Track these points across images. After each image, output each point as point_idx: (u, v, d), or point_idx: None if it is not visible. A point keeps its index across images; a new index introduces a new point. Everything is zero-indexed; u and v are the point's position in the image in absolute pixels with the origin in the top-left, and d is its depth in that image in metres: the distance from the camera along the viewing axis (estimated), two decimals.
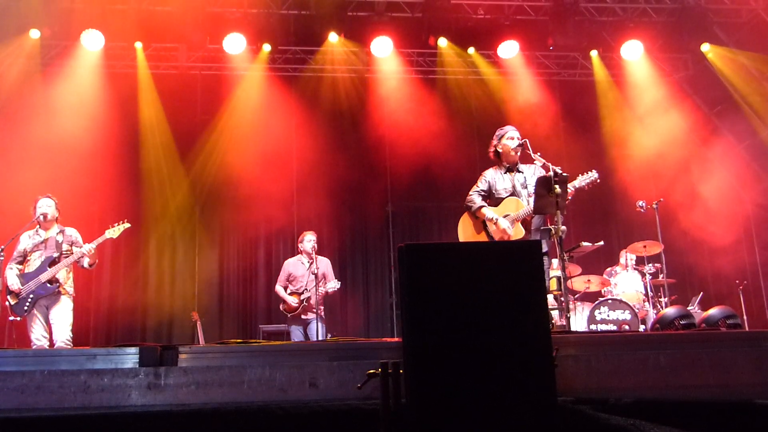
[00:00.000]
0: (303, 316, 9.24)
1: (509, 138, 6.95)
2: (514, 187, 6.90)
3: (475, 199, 6.96)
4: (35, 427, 3.70)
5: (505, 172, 7.00)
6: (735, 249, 12.16)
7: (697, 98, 12.27)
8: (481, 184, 7.02)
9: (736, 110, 11.80)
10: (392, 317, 12.10)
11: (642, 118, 12.03)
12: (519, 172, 6.99)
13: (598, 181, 6.76)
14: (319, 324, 9.04)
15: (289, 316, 9.31)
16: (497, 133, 7.09)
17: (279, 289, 9.46)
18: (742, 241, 12.39)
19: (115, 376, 4.24)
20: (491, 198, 6.97)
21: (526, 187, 6.87)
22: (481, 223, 6.94)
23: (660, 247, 9.96)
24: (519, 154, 6.89)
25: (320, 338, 8.85)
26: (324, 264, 9.40)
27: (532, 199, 6.63)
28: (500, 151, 7.01)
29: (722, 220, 11.67)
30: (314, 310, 9.08)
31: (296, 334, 9.29)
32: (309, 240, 9.38)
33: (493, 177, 7.01)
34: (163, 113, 11.61)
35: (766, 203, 12.32)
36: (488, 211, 6.84)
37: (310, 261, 9.27)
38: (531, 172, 6.92)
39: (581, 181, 6.73)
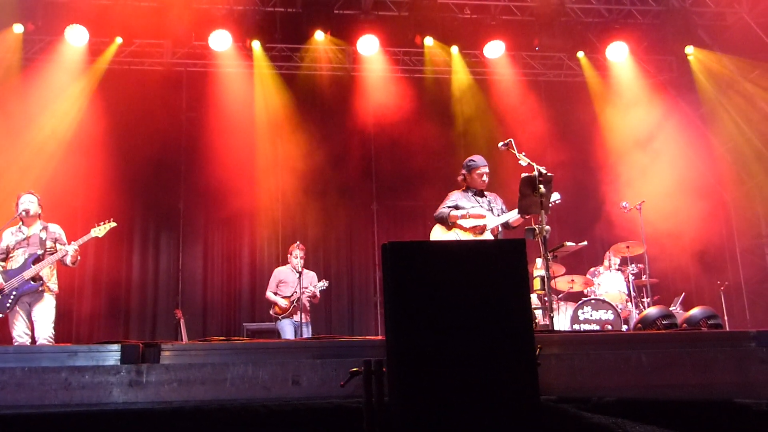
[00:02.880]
0: (295, 319, 9.30)
1: (476, 169, 7.22)
2: (481, 208, 7.14)
3: (445, 210, 7.16)
4: (15, 424, 3.68)
5: (473, 195, 7.26)
6: (717, 250, 12.25)
7: (680, 100, 12.34)
8: (448, 203, 7.25)
9: (719, 113, 11.89)
10: (377, 315, 12.10)
11: (626, 119, 12.07)
12: (483, 196, 7.28)
13: (559, 201, 6.90)
14: (307, 329, 9.18)
15: (280, 318, 9.38)
16: (467, 164, 7.34)
17: (269, 294, 9.60)
18: (723, 242, 12.49)
19: (96, 374, 4.21)
20: None
21: (491, 210, 7.15)
22: (451, 232, 7.12)
23: (643, 247, 10.03)
24: (485, 180, 7.21)
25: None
26: (311, 278, 9.61)
27: (496, 218, 7.02)
28: (467, 180, 7.31)
29: (704, 221, 11.74)
30: (305, 314, 9.21)
31: (288, 330, 9.32)
32: (296, 255, 9.54)
33: (460, 198, 7.24)
34: (147, 109, 11.52)
35: (748, 205, 12.42)
36: (459, 210, 7.08)
37: (299, 273, 9.39)
38: (493, 197, 7.31)
39: None
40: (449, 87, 12.63)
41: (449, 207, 7.16)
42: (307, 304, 9.46)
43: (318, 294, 9.52)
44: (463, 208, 7.10)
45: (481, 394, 3.11)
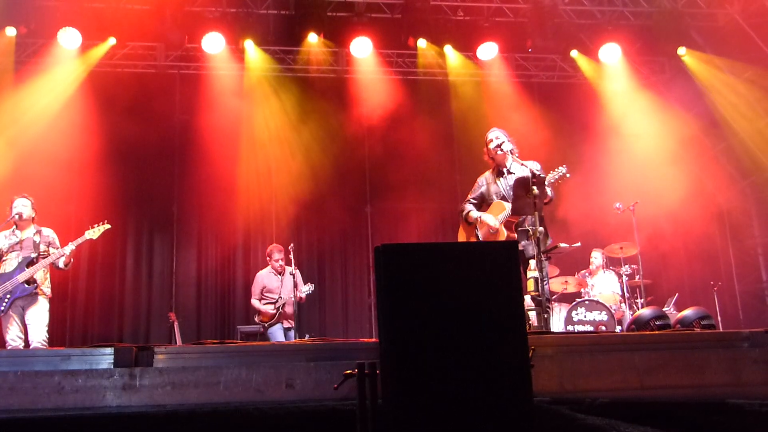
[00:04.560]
0: (284, 325, 9.27)
1: (489, 141, 7.03)
2: (504, 191, 6.92)
3: (466, 206, 7.06)
4: (8, 428, 3.67)
5: (497, 176, 7.05)
6: (710, 251, 12.28)
7: (673, 101, 12.36)
8: (474, 191, 7.12)
9: (712, 113, 11.92)
10: (371, 318, 12.10)
11: (619, 121, 12.09)
12: (511, 173, 6.99)
13: (568, 175, 6.76)
14: (294, 335, 9.16)
15: (266, 325, 9.33)
16: (484, 139, 7.12)
17: (254, 302, 9.53)
18: (716, 243, 12.52)
19: (89, 377, 4.20)
20: (486, 203, 7.03)
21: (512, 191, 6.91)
22: (473, 229, 7.00)
23: (636, 248, 10.06)
24: (503, 153, 6.86)
25: None
26: (295, 276, 9.48)
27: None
28: (490, 156, 7.08)
29: (697, 222, 11.78)
30: (290, 320, 9.16)
31: (278, 335, 9.26)
32: (276, 259, 9.46)
33: (486, 182, 7.07)
34: (141, 112, 11.48)
35: (741, 206, 12.46)
36: (474, 212, 6.94)
37: (281, 275, 9.33)
38: (522, 173, 6.92)
39: (551, 176, 6.76)
40: (442, 89, 12.64)
41: (471, 202, 7.03)
42: (293, 308, 9.35)
43: (304, 297, 9.40)
44: (489, 199, 6.93)
45: (475, 396, 3.11)
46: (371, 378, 3.23)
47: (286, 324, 9.29)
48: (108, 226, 7.72)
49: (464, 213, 7.02)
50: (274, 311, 9.24)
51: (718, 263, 12.38)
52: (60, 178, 10.53)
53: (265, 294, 9.45)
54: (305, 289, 9.30)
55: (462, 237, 7.21)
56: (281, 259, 9.40)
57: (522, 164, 6.71)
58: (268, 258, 9.64)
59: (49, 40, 10.88)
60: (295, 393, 4.25)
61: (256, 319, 9.50)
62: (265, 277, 9.59)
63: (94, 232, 7.61)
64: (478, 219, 6.84)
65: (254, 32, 11.23)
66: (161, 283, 11.84)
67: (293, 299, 9.19)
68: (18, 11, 10.48)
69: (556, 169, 6.77)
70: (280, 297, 9.24)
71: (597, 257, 10.57)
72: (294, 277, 9.22)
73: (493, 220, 6.76)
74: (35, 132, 10.70)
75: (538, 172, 6.35)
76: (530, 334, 4.47)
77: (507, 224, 6.77)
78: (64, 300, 10.92)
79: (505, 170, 7.02)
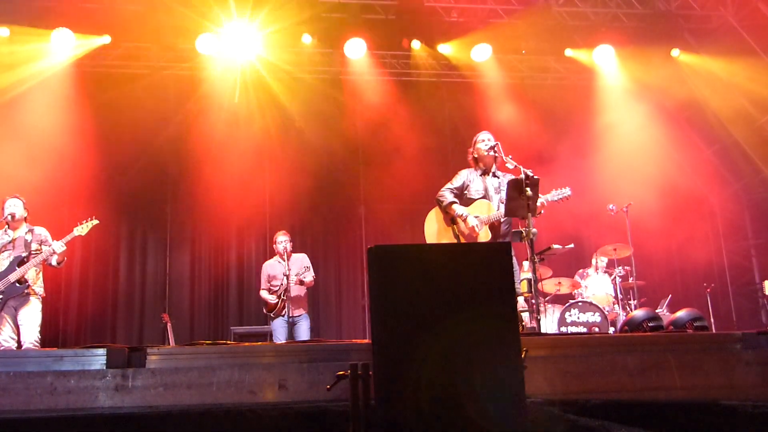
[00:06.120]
0: (292, 316, 9.09)
1: (481, 141, 7.04)
2: (486, 190, 6.94)
3: (447, 195, 6.97)
4: (0, 429, 3.65)
5: (481, 175, 7.05)
6: (703, 252, 12.31)
7: (667, 103, 12.39)
8: (455, 182, 7.05)
9: (705, 115, 11.95)
10: (364, 319, 12.09)
11: (612, 122, 12.11)
12: (495, 176, 7.04)
13: (569, 198, 6.82)
14: (306, 324, 9.11)
15: (272, 315, 9.23)
16: (473, 139, 7.17)
17: (262, 293, 9.37)
18: (710, 244, 12.55)
19: (82, 378, 4.18)
20: (463, 198, 6.98)
21: (499, 192, 6.91)
22: (449, 219, 6.97)
23: (630, 249, 10.08)
24: (492, 154, 6.90)
25: (305, 338, 8.84)
26: (299, 260, 9.32)
27: (503, 205, 6.67)
28: (476, 156, 7.09)
29: (691, 223, 11.81)
30: (299, 306, 9.05)
31: (281, 331, 9.15)
32: (280, 241, 9.32)
33: (468, 177, 7.05)
34: (135, 113, 11.44)
35: (734, 207, 12.50)
36: (459, 208, 6.87)
37: (284, 259, 9.21)
38: (507, 179, 6.94)
39: (554, 195, 6.79)
40: (436, 90, 12.64)
41: (452, 191, 6.97)
42: (302, 294, 9.18)
43: (305, 280, 9.14)
44: (468, 194, 6.92)
45: (467, 398, 3.11)
46: (364, 379, 3.24)
47: (296, 311, 9.12)
48: (96, 222, 7.70)
49: (446, 202, 6.91)
50: (276, 300, 9.14)
51: (711, 265, 12.42)
52: (53, 178, 10.49)
53: (271, 283, 9.35)
54: (303, 273, 9.07)
55: (432, 223, 7.10)
56: (285, 242, 9.29)
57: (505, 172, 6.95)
58: (273, 245, 9.48)
59: (42, 39, 10.83)
60: (288, 394, 4.25)
61: (264, 309, 9.43)
62: (269, 266, 9.44)
63: (82, 229, 7.59)
64: (464, 217, 6.80)
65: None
66: (155, 284, 11.82)
67: (294, 283, 9.01)
68: (11, 11, 10.44)
69: (560, 190, 6.80)
70: (282, 284, 9.13)
71: (603, 260, 10.57)
72: (290, 270, 9.02)
73: (475, 221, 6.76)
74: (28, 132, 10.67)
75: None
76: (524, 335, 4.48)
77: (490, 225, 6.78)
78: (57, 300, 10.89)
79: (491, 171, 7.06)
